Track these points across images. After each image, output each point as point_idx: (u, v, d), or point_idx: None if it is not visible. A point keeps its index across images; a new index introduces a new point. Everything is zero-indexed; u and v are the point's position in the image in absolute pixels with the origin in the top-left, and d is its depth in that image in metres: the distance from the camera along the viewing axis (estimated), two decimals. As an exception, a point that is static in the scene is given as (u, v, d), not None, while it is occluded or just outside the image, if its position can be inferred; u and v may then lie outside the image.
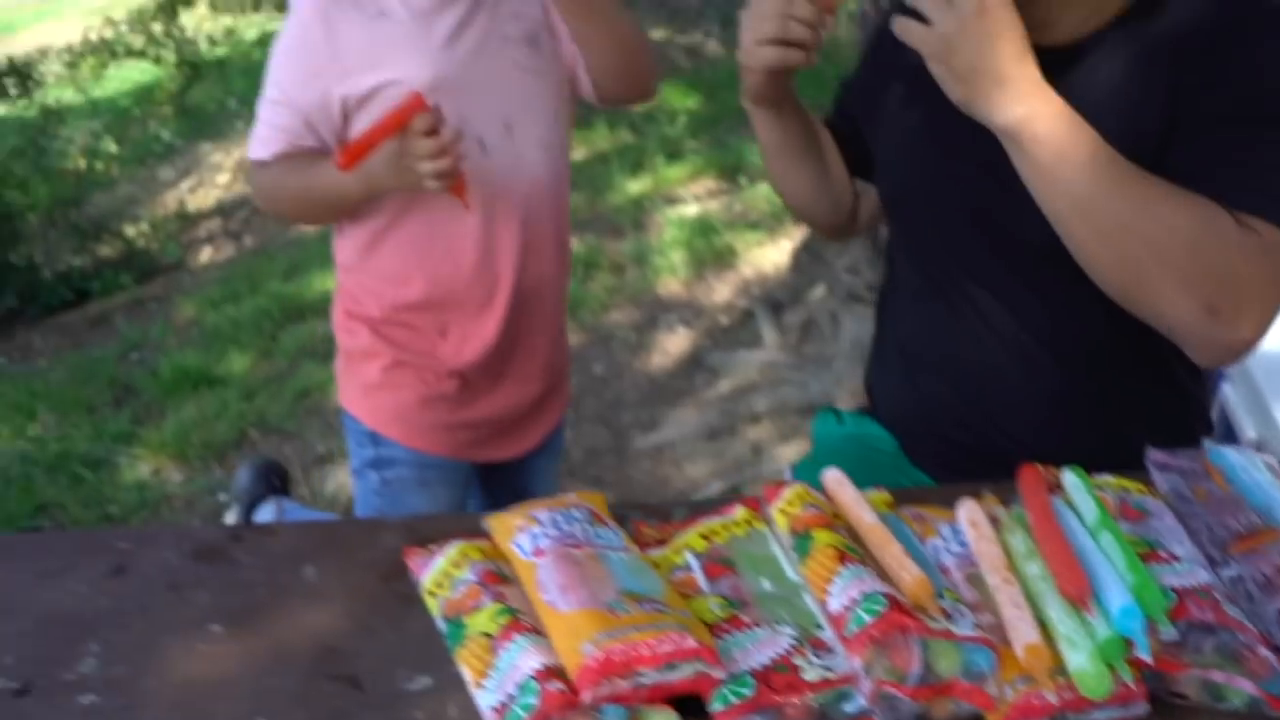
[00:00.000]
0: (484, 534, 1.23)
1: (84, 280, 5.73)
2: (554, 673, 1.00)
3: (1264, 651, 1.00)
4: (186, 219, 6.31)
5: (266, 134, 1.72)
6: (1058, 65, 1.25)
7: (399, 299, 1.81)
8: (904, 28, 1.22)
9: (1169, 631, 1.01)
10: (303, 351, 4.36)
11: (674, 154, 5.62)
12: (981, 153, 1.30)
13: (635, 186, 5.34)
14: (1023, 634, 1.01)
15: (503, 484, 2.01)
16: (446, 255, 1.77)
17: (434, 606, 1.16)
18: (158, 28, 5.49)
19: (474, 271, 1.78)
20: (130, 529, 3.10)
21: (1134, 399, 1.49)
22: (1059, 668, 0.99)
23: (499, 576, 1.15)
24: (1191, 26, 1.28)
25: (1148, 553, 1.11)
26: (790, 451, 3.13)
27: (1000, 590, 1.07)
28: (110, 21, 5.50)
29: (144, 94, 6.08)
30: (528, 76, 1.74)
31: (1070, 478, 1.21)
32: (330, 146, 1.71)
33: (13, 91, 5.44)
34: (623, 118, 6.07)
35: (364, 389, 1.89)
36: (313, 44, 1.66)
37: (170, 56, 5.58)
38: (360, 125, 1.68)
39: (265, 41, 6.90)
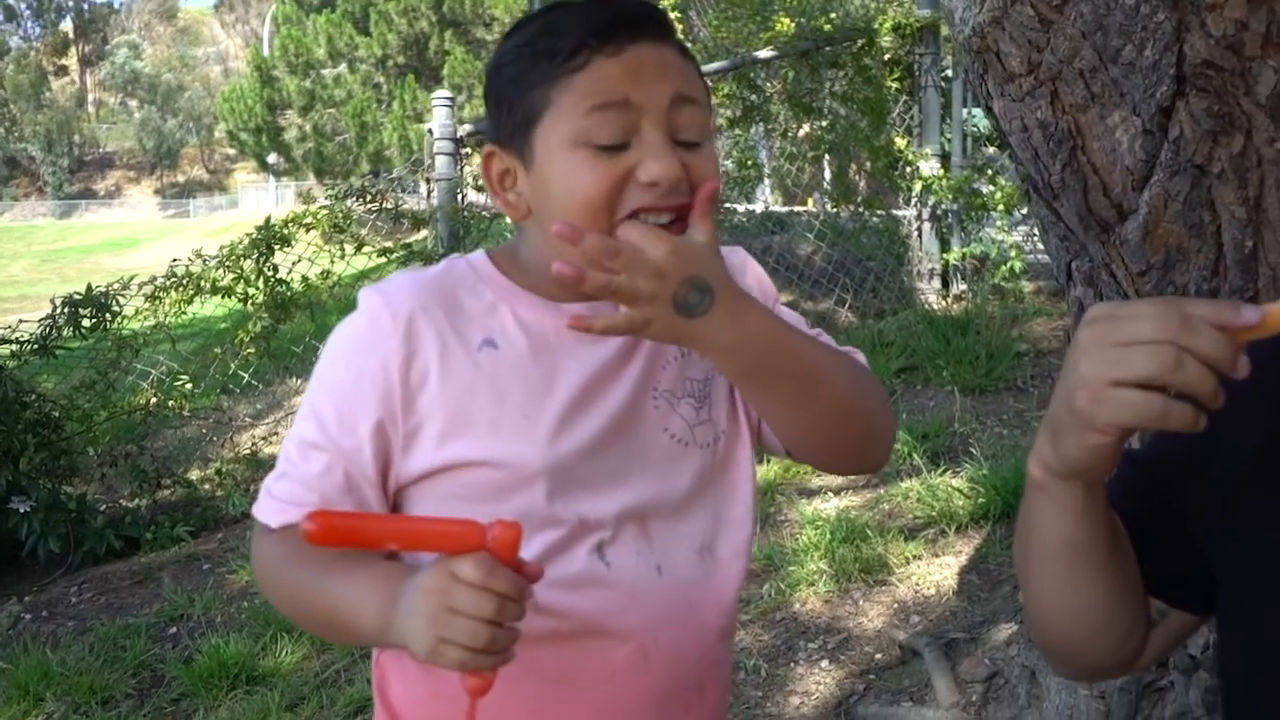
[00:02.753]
0: None
1: (136, 528, 5.16)
2: None
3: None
4: (258, 466, 5.78)
5: (286, 491, 1.16)
6: None
7: None
8: None
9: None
10: (364, 650, 3.68)
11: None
12: None
13: (763, 472, 4.65)
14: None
15: None
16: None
17: None
18: (249, 264, 5.08)
19: None
20: None
21: None
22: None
23: None
24: None
25: None
26: None
27: None
28: (199, 255, 5.10)
29: (228, 331, 5.70)
30: (704, 452, 1.25)
31: None
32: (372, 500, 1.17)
33: (86, 323, 5.02)
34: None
35: None
36: (384, 360, 1.13)
37: (259, 295, 5.16)
38: (418, 461, 1.17)
39: (356, 284, 6.54)
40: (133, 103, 70.65)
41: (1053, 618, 1.12)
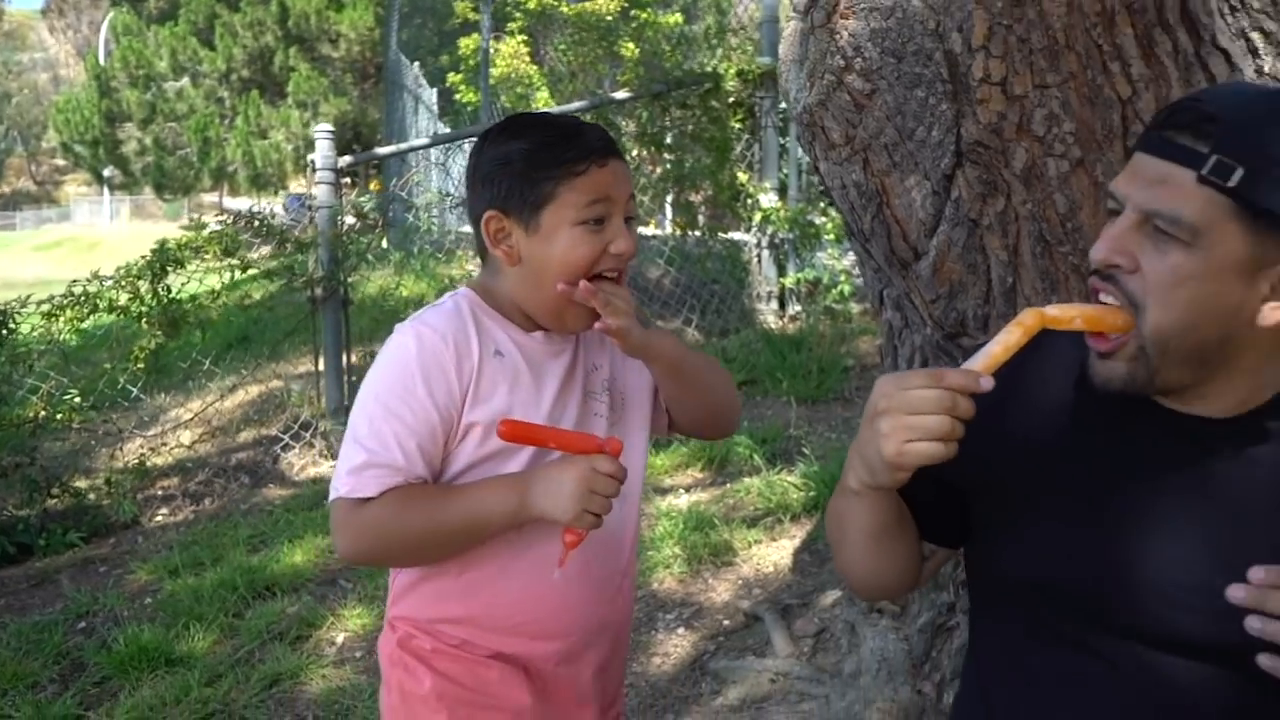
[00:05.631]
0: None
1: (28, 535, 5.41)
2: None
3: None
4: (144, 475, 6.07)
5: (377, 470, 1.61)
6: (1217, 435, 1.38)
7: (466, 639, 1.72)
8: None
9: None
10: (271, 632, 4.08)
11: (659, 442, 5.55)
12: (1171, 550, 1.36)
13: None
14: None
15: None
16: (517, 596, 1.71)
17: None
18: (144, 285, 5.40)
19: (545, 614, 1.72)
20: None
21: None
22: None
23: None
24: None
25: None
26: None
27: None
28: (96, 276, 5.40)
29: (114, 342, 5.97)
30: (611, 429, 1.78)
31: None
32: (432, 479, 1.66)
33: (-15, 338, 5.28)
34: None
35: None
36: (443, 365, 1.62)
37: (151, 313, 5.48)
38: (462, 457, 1.67)
39: (244, 302, 6.85)
40: (-48, 110, 67.47)
41: (862, 574, 1.62)
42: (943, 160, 2.59)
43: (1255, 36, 2.61)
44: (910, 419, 1.31)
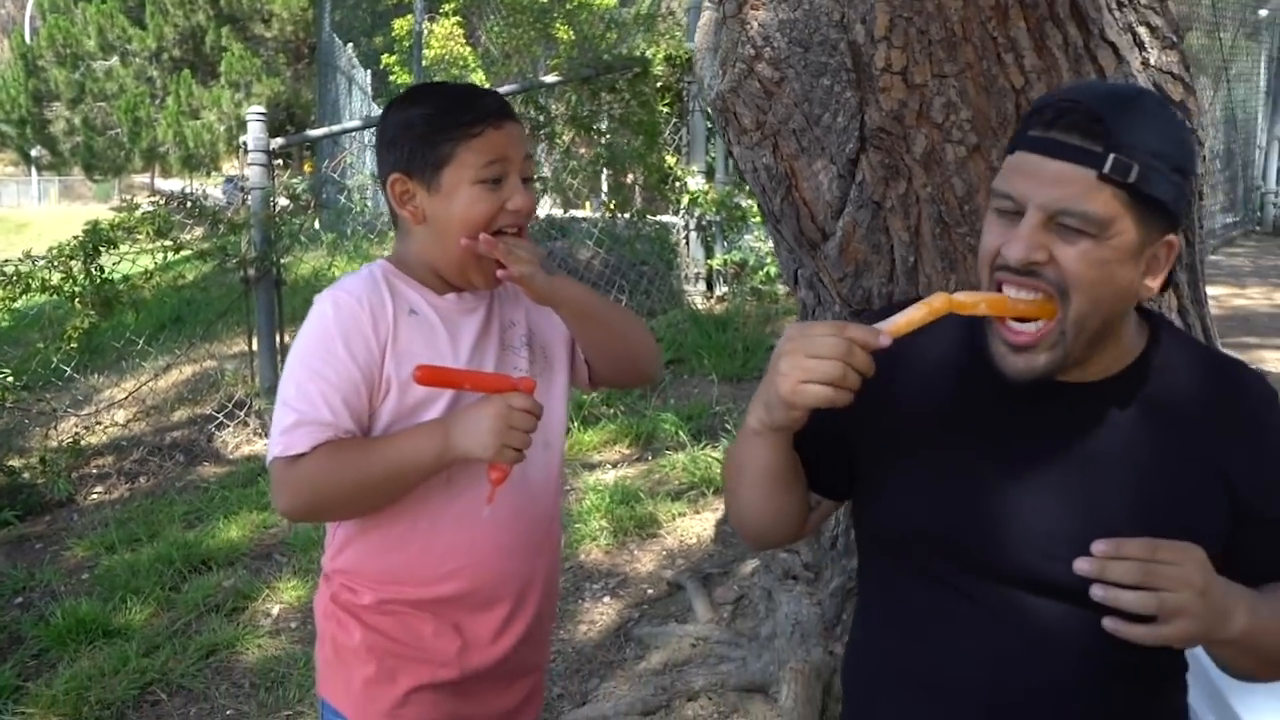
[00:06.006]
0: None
1: (-39, 513, 5.45)
2: None
3: None
4: (79, 454, 6.11)
5: (308, 427, 1.71)
6: (1088, 398, 1.55)
7: (395, 594, 1.82)
8: (1157, 636, 1.38)
9: None
10: (208, 605, 4.18)
11: (589, 419, 5.70)
12: (1034, 501, 1.52)
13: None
14: None
15: None
16: (441, 551, 1.81)
17: None
18: (76, 265, 5.44)
19: (468, 569, 1.82)
20: None
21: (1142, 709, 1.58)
22: None
23: None
24: (1197, 399, 1.59)
25: None
26: (728, 732, 3.08)
27: None
28: (28, 256, 5.43)
29: (47, 322, 5.98)
30: (530, 374, 1.86)
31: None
32: (360, 434, 1.76)
33: (-83, 318, 5.30)
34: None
35: (352, 686, 1.85)
36: (360, 326, 1.72)
37: (84, 293, 5.52)
38: (386, 412, 1.76)
39: (178, 283, 6.88)
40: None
41: (754, 518, 1.75)
42: (847, 145, 2.74)
43: (1142, 31, 2.78)
44: (808, 361, 1.43)
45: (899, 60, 2.59)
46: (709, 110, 7.56)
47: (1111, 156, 1.40)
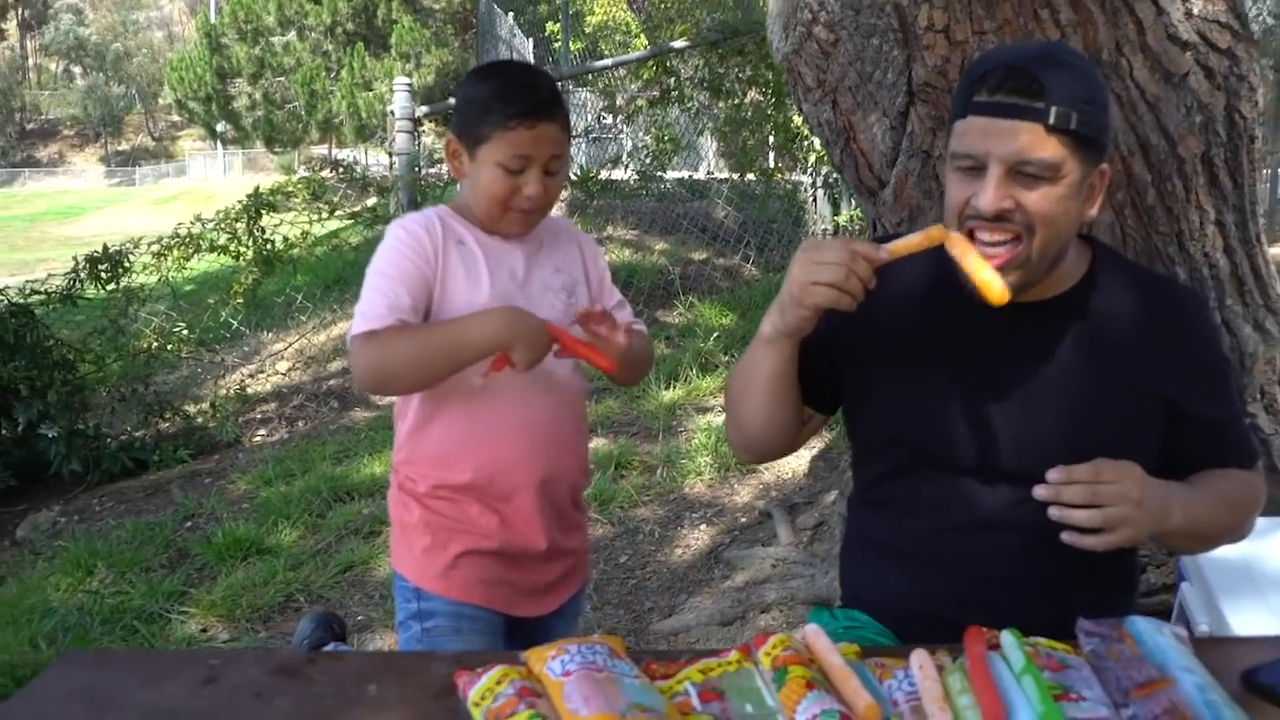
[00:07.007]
0: (521, 663, 1.50)
1: (144, 452, 6.08)
2: (575, 756, 1.27)
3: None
4: (246, 401, 6.71)
5: (381, 310, 2.04)
6: (1043, 315, 1.83)
7: (443, 479, 2.17)
8: (1105, 543, 1.64)
9: (1065, 746, 1.26)
10: (348, 529, 4.65)
11: (707, 366, 6.00)
12: (992, 408, 1.82)
13: (669, 395, 5.71)
14: (950, 745, 1.27)
15: (525, 643, 2.28)
16: (484, 445, 2.14)
17: (477, 715, 1.41)
18: (241, 226, 5.98)
19: (504, 463, 2.15)
20: (219, 650, 3.36)
21: (1097, 582, 1.84)
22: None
23: (533, 692, 1.42)
24: (1136, 311, 1.85)
25: (1061, 694, 1.36)
26: (797, 642, 3.35)
27: (935, 715, 1.33)
28: (199, 219, 6.00)
29: (220, 284, 6.57)
30: (563, 318, 2.15)
31: (1007, 637, 1.48)
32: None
33: (104, 276, 5.92)
34: (661, 331, 6.49)
35: (414, 554, 2.21)
36: (420, 244, 2.09)
37: (248, 253, 6.07)
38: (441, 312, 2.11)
39: (330, 243, 7.41)
40: (76, 69, 69.50)
41: (755, 428, 2.00)
42: (897, 99, 2.98)
43: (1185, -21, 2.90)
44: (816, 266, 1.69)
45: (941, 19, 2.81)
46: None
47: (1054, 109, 1.66)
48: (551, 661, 1.46)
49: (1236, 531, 1.88)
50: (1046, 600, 1.77)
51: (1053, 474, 1.62)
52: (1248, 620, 2.22)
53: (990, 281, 1.66)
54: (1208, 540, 1.89)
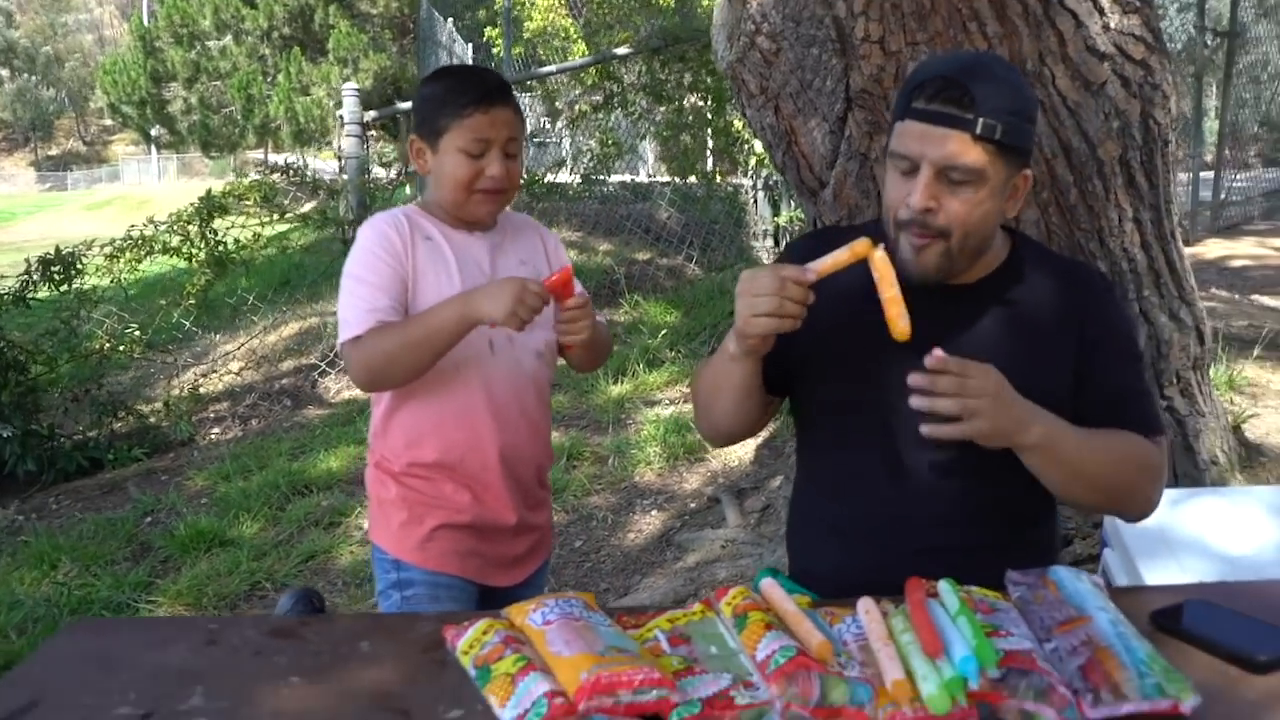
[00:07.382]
0: (503, 618, 1.66)
1: (98, 451, 6.16)
2: (559, 694, 1.43)
3: (1063, 690, 1.43)
4: (199, 400, 6.79)
5: (360, 314, 2.20)
6: (968, 296, 2.00)
7: (415, 458, 2.32)
8: (960, 431, 1.78)
9: (995, 673, 1.44)
10: (309, 520, 4.78)
11: (653, 362, 6.19)
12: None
13: (617, 390, 5.90)
14: (892, 674, 1.45)
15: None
16: (452, 428, 2.30)
17: (466, 662, 1.57)
18: (193, 229, 6.07)
19: (472, 443, 2.31)
20: (215, 616, 3.50)
21: (1018, 546, 2.01)
22: (916, 697, 1.42)
23: (516, 640, 1.58)
24: (1051, 292, 2.02)
25: (991, 631, 1.55)
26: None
27: (880, 650, 1.51)
28: (151, 221, 6.09)
29: (171, 287, 6.65)
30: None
31: (944, 585, 1.66)
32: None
33: (57, 277, 5.99)
34: (609, 328, 6.66)
35: (391, 528, 2.36)
36: (390, 241, 2.24)
37: (200, 254, 6.16)
38: (415, 306, 2.25)
39: (280, 244, 7.50)
40: (4, 72, 68.23)
41: (726, 424, 2.17)
42: (836, 105, 3.15)
43: (1102, -4, 3.10)
44: (753, 299, 1.85)
45: (876, 31, 2.99)
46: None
47: (981, 120, 1.84)
48: (532, 614, 1.62)
49: (1134, 490, 1.97)
50: (976, 567, 1.92)
51: (930, 359, 1.77)
52: (1161, 578, 2.43)
53: (895, 319, 1.82)
54: (1093, 484, 1.93)
